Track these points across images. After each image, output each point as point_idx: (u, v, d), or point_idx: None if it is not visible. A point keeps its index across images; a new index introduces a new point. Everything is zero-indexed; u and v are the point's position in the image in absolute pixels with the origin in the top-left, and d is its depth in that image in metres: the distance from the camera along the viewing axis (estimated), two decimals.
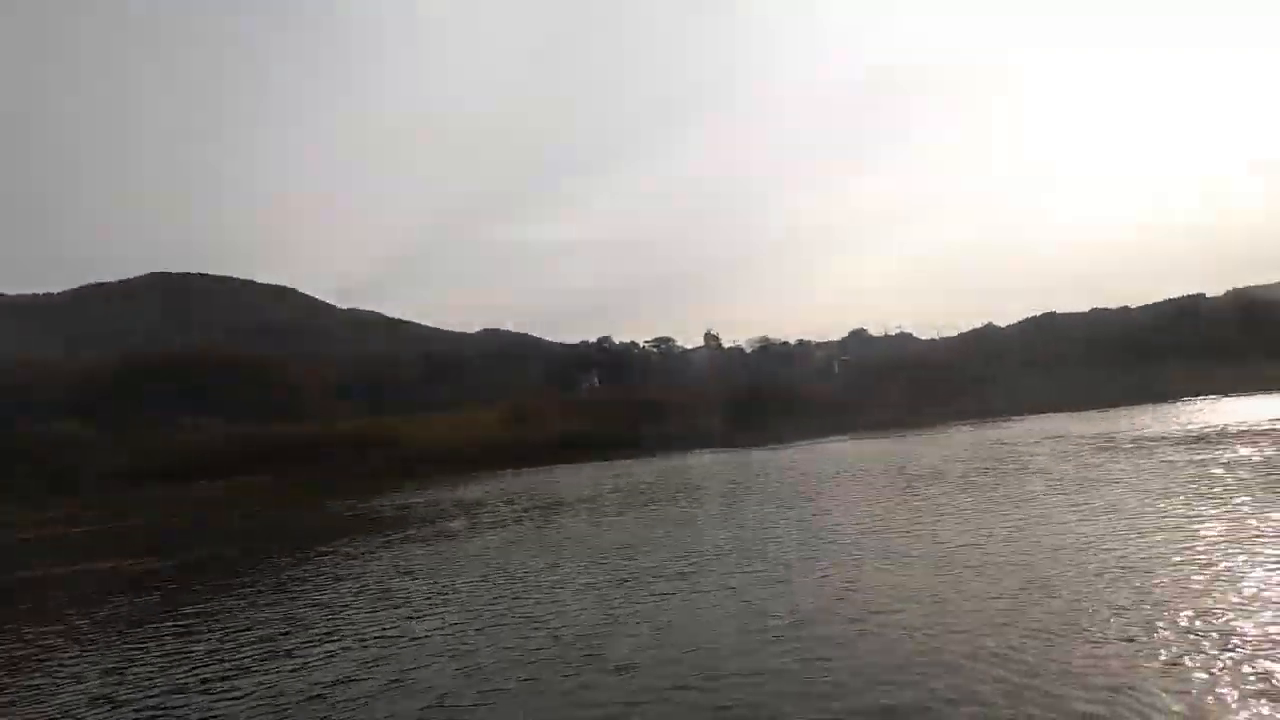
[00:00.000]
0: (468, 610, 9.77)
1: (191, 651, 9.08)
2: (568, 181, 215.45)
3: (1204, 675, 5.54)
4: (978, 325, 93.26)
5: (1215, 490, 13.47)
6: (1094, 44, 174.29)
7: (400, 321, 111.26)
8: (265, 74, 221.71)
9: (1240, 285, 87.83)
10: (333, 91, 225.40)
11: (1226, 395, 48.70)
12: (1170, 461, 18.17)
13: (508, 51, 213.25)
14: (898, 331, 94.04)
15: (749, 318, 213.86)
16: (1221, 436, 23.18)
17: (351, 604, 10.92)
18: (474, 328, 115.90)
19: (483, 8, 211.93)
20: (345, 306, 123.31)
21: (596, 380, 72.35)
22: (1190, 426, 28.19)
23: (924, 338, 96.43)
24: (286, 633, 9.57)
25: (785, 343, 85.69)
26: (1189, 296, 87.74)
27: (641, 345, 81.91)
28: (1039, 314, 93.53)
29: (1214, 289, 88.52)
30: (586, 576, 11.12)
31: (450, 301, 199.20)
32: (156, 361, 66.19)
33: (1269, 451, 18.11)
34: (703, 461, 37.84)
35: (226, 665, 8.34)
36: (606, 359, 76.30)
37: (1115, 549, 9.62)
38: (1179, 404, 46.41)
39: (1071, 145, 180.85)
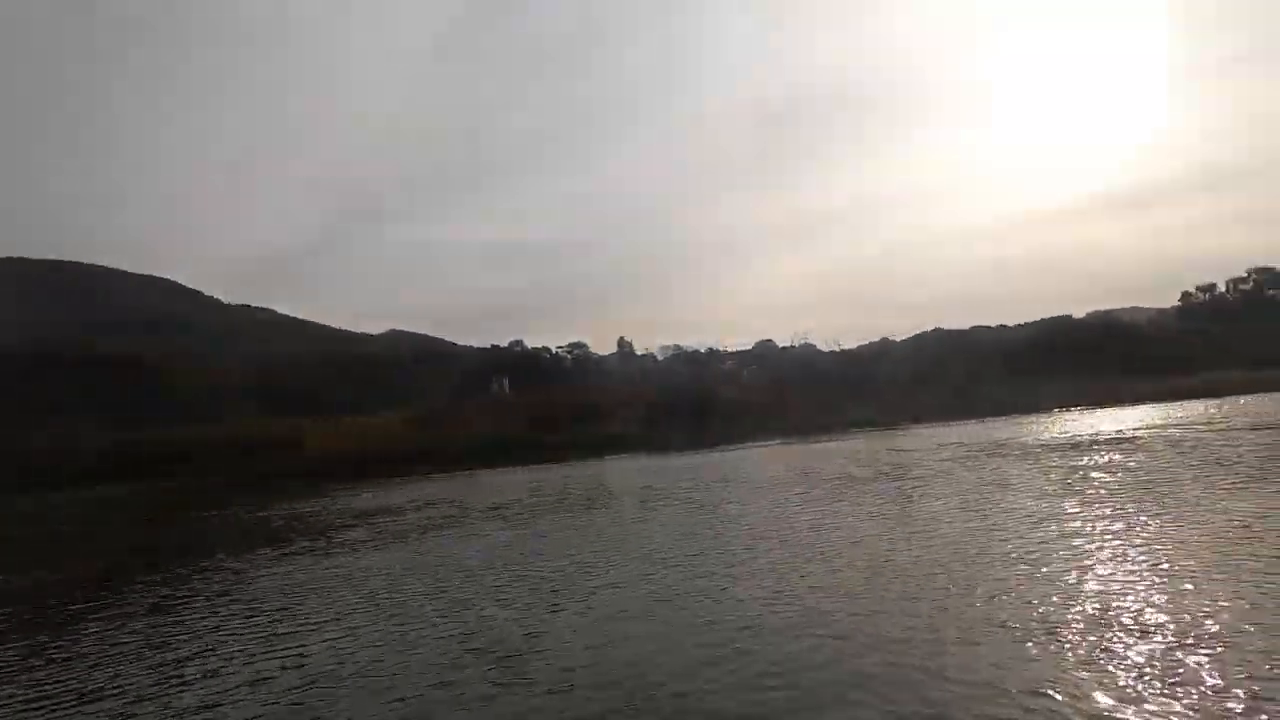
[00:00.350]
0: (378, 629, 9.11)
1: (45, 686, 7.98)
2: (480, 183, 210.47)
3: (1117, 666, 5.87)
4: (875, 339, 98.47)
5: (1101, 491, 14.64)
6: (989, 71, 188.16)
7: (297, 320, 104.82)
8: (150, 53, 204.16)
9: (1101, 308, 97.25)
10: (229, 77, 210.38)
11: (1093, 407, 53.66)
12: (1057, 467, 19.64)
13: (418, 51, 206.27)
14: (803, 343, 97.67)
15: (661, 325, 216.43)
16: (1093, 444, 25.35)
17: (240, 626, 9.96)
18: (379, 329, 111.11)
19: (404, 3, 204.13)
20: (234, 302, 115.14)
21: (508, 385, 70.90)
22: (1065, 435, 30.71)
23: (826, 349, 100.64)
24: (163, 663, 8.59)
25: (697, 351, 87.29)
26: (1058, 317, 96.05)
27: (554, 350, 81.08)
28: (929, 330, 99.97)
29: (1078, 311, 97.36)
30: (508, 589, 10.68)
31: (354, 302, 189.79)
32: (13, 358, 59.22)
33: (1140, 457, 19.94)
34: (618, 467, 37.76)
35: (93, 705, 7.38)
36: (518, 363, 74.94)
37: (1021, 550, 10.19)
38: (1053, 415, 50.61)
39: (961, 170, 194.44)
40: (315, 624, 9.65)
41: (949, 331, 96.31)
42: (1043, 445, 26.98)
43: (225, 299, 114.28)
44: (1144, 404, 52.37)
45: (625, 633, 7.98)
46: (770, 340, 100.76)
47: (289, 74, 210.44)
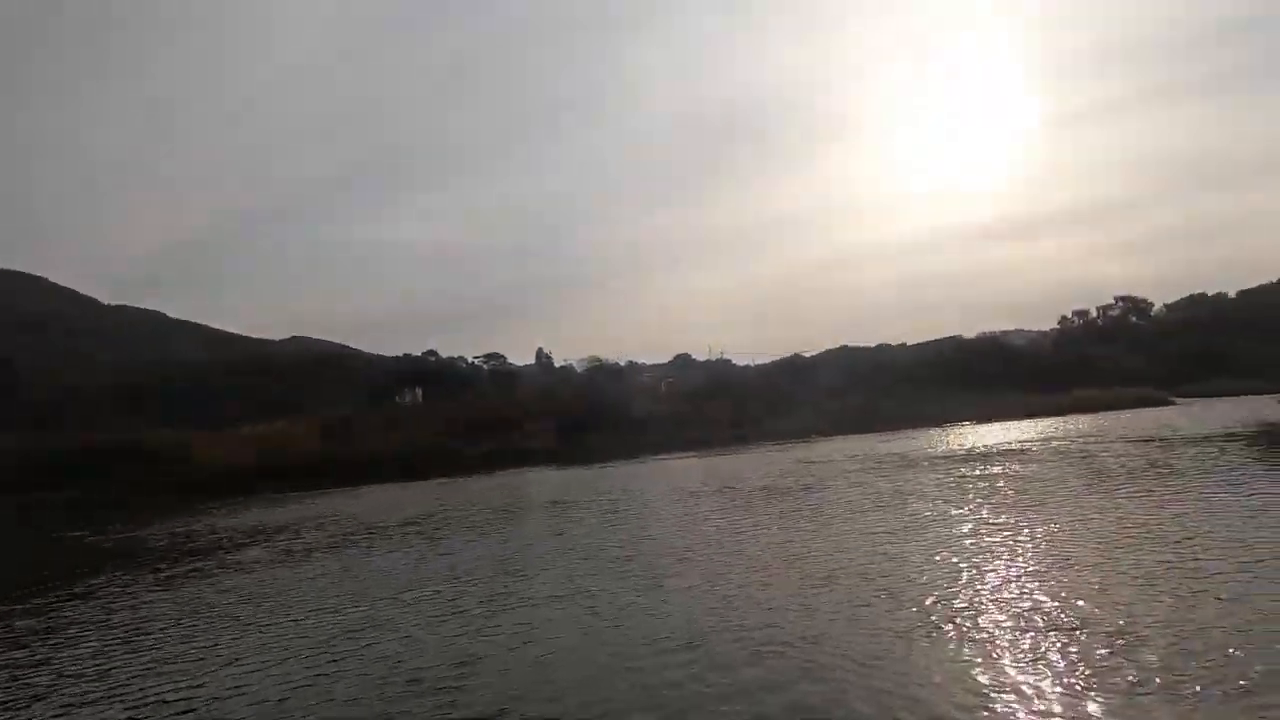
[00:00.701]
0: (291, 657, 8.47)
1: None
2: (393, 187, 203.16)
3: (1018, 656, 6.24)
4: (787, 355, 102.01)
5: (1001, 496, 15.63)
6: (892, 101, 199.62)
7: (188, 323, 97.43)
8: (18, 34, 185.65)
9: (989, 330, 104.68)
10: (114, 63, 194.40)
11: (985, 421, 57.49)
12: (960, 475, 20.82)
13: (329, 47, 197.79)
14: (719, 357, 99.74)
15: (581, 337, 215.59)
16: (988, 455, 27.11)
17: (125, 661, 9.06)
18: (281, 334, 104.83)
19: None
20: (114, 303, 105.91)
21: (420, 395, 68.53)
22: (962, 447, 32.71)
23: (741, 364, 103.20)
24: (34, 698, 7.69)
25: (616, 363, 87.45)
26: (952, 337, 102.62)
27: (470, 360, 79.19)
28: (837, 347, 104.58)
29: (969, 332, 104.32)
30: (430, 609, 10.20)
31: (254, 306, 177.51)
32: None
33: (1034, 467, 21.47)
34: (536, 479, 37.14)
35: None
36: (432, 373, 72.61)
37: (934, 554, 10.71)
38: (950, 428, 53.81)
39: (865, 194, 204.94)
40: (211, 656, 8.88)
41: (855, 349, 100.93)
42: (944, 456, 28.61)
43: (105, 300, 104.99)
44: (1028, 418, 56.54)
45: (558, 651, 7.77)
46: (688, 354, 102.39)
47: (188, 63, 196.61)
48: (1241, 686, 5.46)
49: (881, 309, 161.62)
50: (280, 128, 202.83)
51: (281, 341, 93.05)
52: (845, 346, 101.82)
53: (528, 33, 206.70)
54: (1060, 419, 52.11)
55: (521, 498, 27.34)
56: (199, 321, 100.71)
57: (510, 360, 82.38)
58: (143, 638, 9.93)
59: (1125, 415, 48.18)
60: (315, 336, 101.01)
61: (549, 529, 17.38)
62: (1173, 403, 56.26)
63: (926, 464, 25.52)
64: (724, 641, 7.45)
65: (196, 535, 23.12)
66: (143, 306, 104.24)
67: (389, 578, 12.66)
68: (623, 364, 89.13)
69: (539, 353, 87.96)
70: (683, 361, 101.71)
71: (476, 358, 79.81)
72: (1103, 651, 6.37)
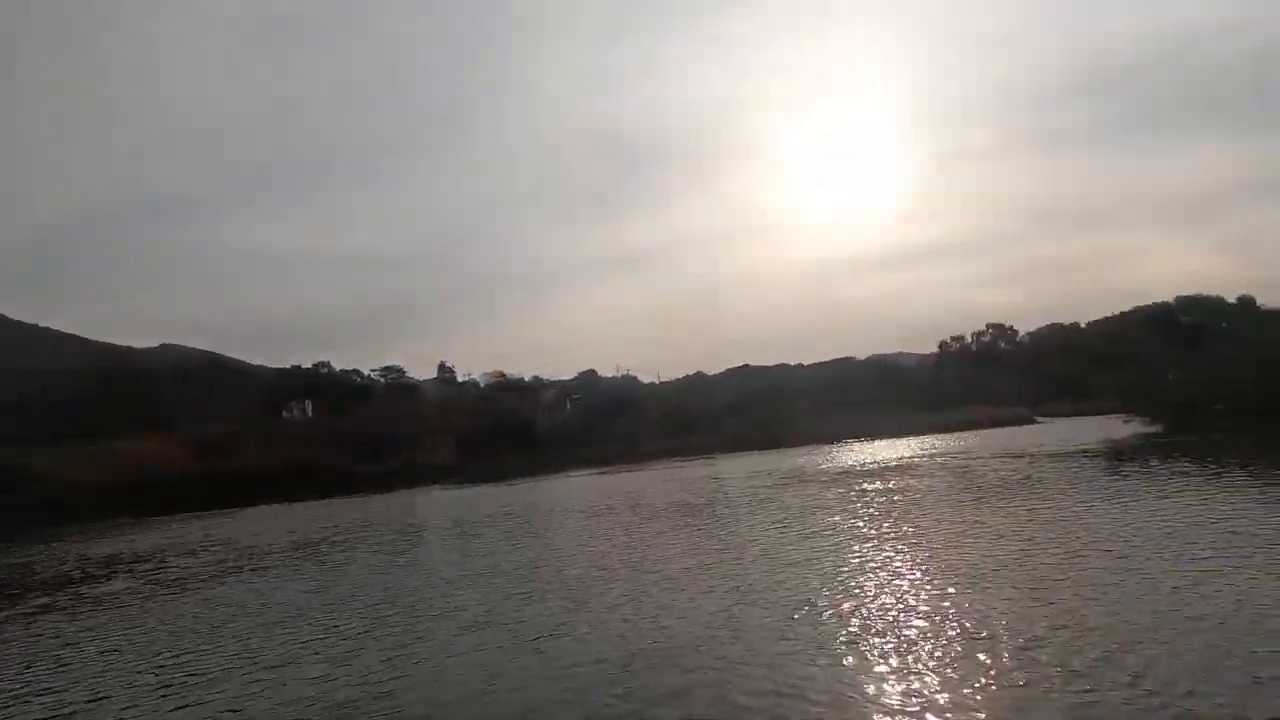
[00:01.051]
0: (181, 703, 7.63)
1: None
2: (282, 186, 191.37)
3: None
4: (691, 373, 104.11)
5: (893, 508, 16.47)
6: (792, 131, 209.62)
7: (34, 329, 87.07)
8: None
9: (877, 353, 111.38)
10: None
11: (875, 438, 60.85)
12: (861, 489, 21.79)
13: (219, 36, 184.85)
14: (624, 374, 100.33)
15: (486, 352, 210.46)
16: (882, 470, 28.61)
17: None
18: (151, 342, 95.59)
19: None
20: None
21: (310, 409, 64.61)
22: (857, 463, 34.37)
23: (646, 381, 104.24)
24: None
25: (520, 378, 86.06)
26: (845, 358, 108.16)
27: (367, 374, 75.48)
28: (738, 366, 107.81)
29: (860, 354, 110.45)
30: (340, 640, 9.42)
31: (116, 310, 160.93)
32: None
33: (926, 480, 22.84)
34: (435, 498, 35.78)
35: None
36: (324, 386, 68.66)
37: (846, 565, 11.11)
38: (843, 445, 56.51)
39: (765, 218, 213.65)
40: (73, 703, 7.86)
41: (756, 368, 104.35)
42: (842, 472, 29.94)
43: None
44: (914, 435, 60.35)
45: (492, 681, 7.38)
46: (593, 370, 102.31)
47: (48, 48, 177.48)
48: (1134, 679, 5.96)
49: (780, 330, 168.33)
50: (154, 126, 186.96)
51: (150, 350, 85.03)
52: (747, 365, 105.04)
53: (433, 41, 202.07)
54: (942, 436, 55.89)
55: (424, 518, 26.24)
56: (49, 326, 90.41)
57: (410, 374, 79.28)
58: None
59: (998, 433, 52.29)
60: (191, 345, 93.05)
61: (458, 551, 16.73)
62: (1036, 421, 61.75)
63: (827, 480, 26.63)
64: (659, 661, 7.38)
65: (46, 566, 20.61)
66: None
67: (285, 608, 11.70)
68: (527, 379, 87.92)
69: (441, 366, 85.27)
70: (588, 378, 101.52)
71: (373, 371, 76.27)
72: (1004, 654, 6.80)
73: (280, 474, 47.95)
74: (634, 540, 15.71)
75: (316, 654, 8.75)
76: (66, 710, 7.55)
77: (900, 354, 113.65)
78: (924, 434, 61.59)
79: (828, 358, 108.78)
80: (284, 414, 64.02)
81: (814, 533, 14.62)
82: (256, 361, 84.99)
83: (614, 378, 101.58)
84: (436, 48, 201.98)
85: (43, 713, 7.59)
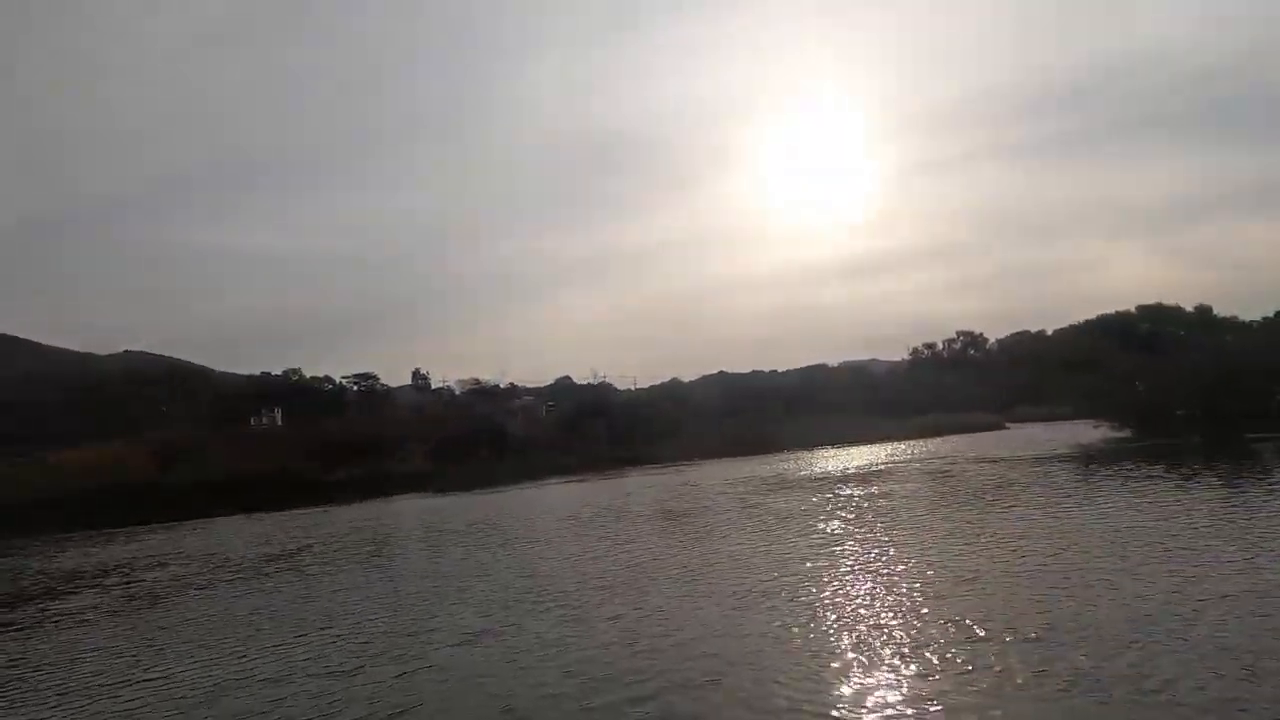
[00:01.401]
0: None
1: None
2: (249, 188, 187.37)
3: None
4: (666, 379, 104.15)
5: (896, 512, 16.53)
6: (767, 137, 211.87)
7: None
8: None
9: (849, 359, 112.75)
10: None
11: (850, 444, 61.35)
12: (846, 495, 21.86)
13: (181, 33, 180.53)
14: (601, 380, 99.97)
15: (460, 358, 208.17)
16: (866, 475, 28.76)
17: None
18: (113, 348, 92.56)
19: None
20: None
21: (279, 417, 63.07)
22: (837, 469, 34.58)
23: (622, 387, 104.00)
24: None
25: (496, 385, 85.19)
26: (818, 365, 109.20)
27: (338, 380, 73.98)
28: (714, 372, 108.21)
29: (833, 360, 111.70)
30: (336, 654, 8.91)
31: (75, 318, 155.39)
32: None
33: (909, 485, 23.02)
34: (408, 507, 35.09)
35: None
36: (293, 393, 67.10)
37: (839, 570, 11.05)
38: (820, 451, 56.90)
39: (738, 224, 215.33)
40: None
41: (732, 375, 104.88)
42: (823, 477, 30.07)
43: None
44: (888, 441, 61.01)
45: (503, 693, 7.12)
46: (569, 377, 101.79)
47: (19, 44, 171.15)
48: (1138, 677, 5.96)
49: (755, 336, 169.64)
50: (118, 125, 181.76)
51: (110, 357, 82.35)
52: (722, 372, 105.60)
53: (408, 45, 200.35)
54: (917, 441, 56.62)
55: (402, 527, 25.67)
56: (4, 331, 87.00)
57: (384, 381, 77.91)
58: None
59: (972, 438, 53.19)
60: (153, 351, 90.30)
61: (443, 561, 16.33)
62: (1006, 427, 62.94)
63: (810, 485, 26.71)
64: (667, 669, 7.21)
65: (1, 581, 19.65)
66: None
67: (268, 622, 11.25)
68: (503, 386, 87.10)
69: (415, 373, 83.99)
70: (564, 385, 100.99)
71: (345, 377, 74.81)
72: (1003, 653, 6.76)
73: (248, 483, 46.64)
74: (625, 548, 15.49)
75: (314, 671, 8.34)
76: None
77: (873, 360, 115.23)
78: (898, 439, 62.28)
79: (802, 364, 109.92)
80: (252, 421, 62.35)
81: (805, 537, 14.59)
82: (223, 369, 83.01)
83: (589, 384, 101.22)
84: (411, 51, 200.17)
85: None
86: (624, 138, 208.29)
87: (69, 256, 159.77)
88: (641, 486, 34.66)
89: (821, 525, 16.20)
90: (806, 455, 51.96)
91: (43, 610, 14.30)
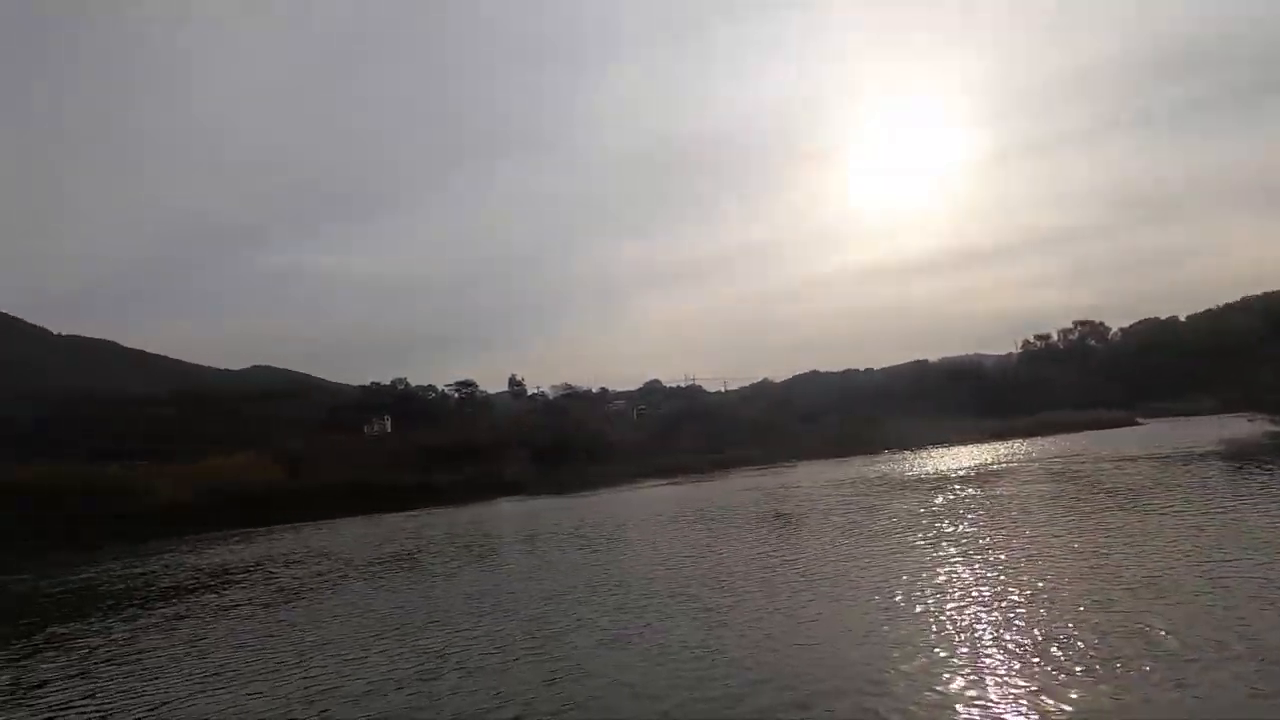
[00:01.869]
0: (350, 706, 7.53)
1: None
2: (358, 214, 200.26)
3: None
4: (757, 380, 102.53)
5: (1033, 515, 15.36)
6: (851, 131, 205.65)
7: (144, 353, 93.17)
8: None
9: (950, 354, 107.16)
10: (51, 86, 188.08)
11: (956, 444, 58.08)
12: (968, 495, 20.59)
13: (286, 70, 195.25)
14: (691, 383, 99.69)
15: (554, 363, 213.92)
16: (983, 476, 27.05)
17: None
18: (242, 364, 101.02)
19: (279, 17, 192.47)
20: (61, 332, 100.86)
21: (389, 425, 66.50)
22: (949, 469, 32.74)
23: (712, 389, 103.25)
24: None
25: (588, 390, 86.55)
26: (918, 362, 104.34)
27: (441, 389, 77.33)
28: (806, 371, 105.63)
29: (933, 356, 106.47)
30: (475, 657, 8.98)
31: (213, 335, 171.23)
32: None
33: (1042, 486, 21.43)
34: (516, 509, 35.97)
35: None
36: (401, 402, 70.61)
37: (983, 576, 10.28)
38: (924, 451, 54.18)
39: (826, 223, 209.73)
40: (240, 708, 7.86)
41: (825, 374, 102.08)
42: (936, 478, 28.50)
43: (54, 329, 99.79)
44: (999, 440, 57.36)
45: (623, 696, 7.01)
46: (658, 380, 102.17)
47: (132, 84, 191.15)
48: None
49: (845, 335, 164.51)
50: (234, 158, 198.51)
51: (242, 371, 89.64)
52: (815, 372, 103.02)
53: (486, 62, 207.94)
54: (1033, 440, 53.02)
55: (511, 529, 26.29)
56: (156, 352, 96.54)
57: (482, 388, 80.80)
58: (149, 689, 8.79)
59: (1099, 435, 49.24)
60: (278, 366, 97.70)
61: (558, 562, 16.47)
62: (1139, 423, 57.78)
63: (924, 486, 25.37)
64: (826, 677, 6.84)
65: (163, 576, 21.47)
66: (96, 336, 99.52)
67: (405, 619, 11.62)
68: (595, 391, 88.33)
69: (511, 380, 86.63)
70: (653, 388, 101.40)
71: (447, 386, 78.07)
72: (1226, 673, 5.96)
73: (361, 488, 49.40)
74: (743, 550, 15.12)
75: (461, 669, 8.45)
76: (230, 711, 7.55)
77: (978, 355, 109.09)
78: (1010, 438, 58.51)
79: (898, 362, 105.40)
80: (365, 429, 66.05)
81: (938, 540, 13.74)
82: (337, 379, 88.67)
83: (679, 387, 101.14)
84: (490, 69, 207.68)
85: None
86: (705, 139, 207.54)
87: (208, 281, 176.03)
88: (741, 489, 34.05)
89: (952, 527, 15.25)
90: (910, 456, 49.62)
91: (200, 603, 15.46)
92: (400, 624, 11.17)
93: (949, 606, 8.93)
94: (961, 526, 15.29)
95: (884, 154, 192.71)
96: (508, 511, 34.99)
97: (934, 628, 8.09)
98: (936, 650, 7.34)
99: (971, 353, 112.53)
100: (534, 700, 6.97)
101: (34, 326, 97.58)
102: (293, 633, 11.37)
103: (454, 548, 21.24)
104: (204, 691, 8.56)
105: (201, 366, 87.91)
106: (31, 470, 43.81)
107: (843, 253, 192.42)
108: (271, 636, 11.26)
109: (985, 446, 51.06)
